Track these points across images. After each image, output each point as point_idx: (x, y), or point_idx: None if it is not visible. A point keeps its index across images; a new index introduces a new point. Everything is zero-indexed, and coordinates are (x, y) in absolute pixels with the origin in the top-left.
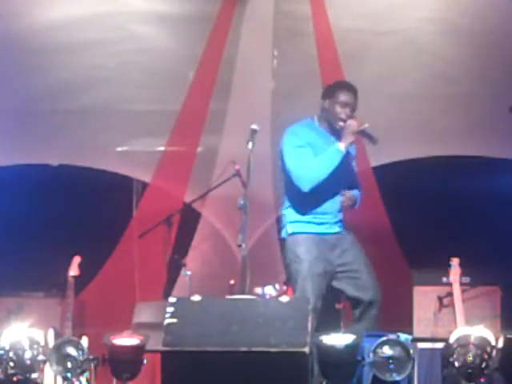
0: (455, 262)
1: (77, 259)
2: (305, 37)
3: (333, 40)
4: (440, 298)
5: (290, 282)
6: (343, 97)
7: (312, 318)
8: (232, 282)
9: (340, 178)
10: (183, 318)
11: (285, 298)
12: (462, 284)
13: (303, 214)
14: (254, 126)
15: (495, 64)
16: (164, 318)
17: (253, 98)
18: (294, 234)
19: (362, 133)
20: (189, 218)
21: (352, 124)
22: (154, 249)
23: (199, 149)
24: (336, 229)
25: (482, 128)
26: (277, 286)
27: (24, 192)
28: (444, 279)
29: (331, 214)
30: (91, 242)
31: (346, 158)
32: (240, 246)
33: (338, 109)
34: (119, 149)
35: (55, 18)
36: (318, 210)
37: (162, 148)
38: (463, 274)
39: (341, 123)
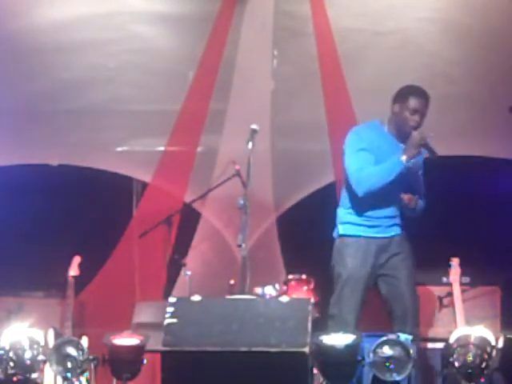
0: (455, 262)
1: (77, 259)
2: (305, 37)
3: (333, 40)
4: (440, 298)
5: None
6: (414, 103)
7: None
8: (232, 281)
9: (400, 186)
10: (183, 317)
11: (285, 298)
12: (461, 284)
13: (356, 216)
14: (254, 126)
15: (495, 64)
16: (164, 318)
17: (253, 98)
18: (343, 235)
19: (425, 146)
20: (189, 218)
21: (415, 137)
22: (154, 249)
23: (199, 149)
24: (389, 233)
25: (482, 128)
26: (277, 285)
27: (24, 192)
28: (444, 279)
29: (385, 218)
30: (91, 242)
31: (409, 168)
32: (240, 245)
33: (408, 115)
34: (119, 149)
35: (55, 17)
36: (372, 213)
37: (162, 148)
38: (463, 274)
39: (412, 131)
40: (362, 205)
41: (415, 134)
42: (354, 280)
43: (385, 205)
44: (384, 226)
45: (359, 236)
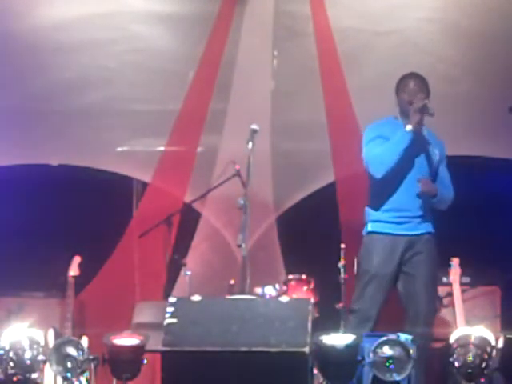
0: (455, 262)
1: (77, 259)
2: (305, 37)
3: (333, 40)
4: (440, 298)
5: (355, 277)
6: (411, 84)
7: (348, 321)
8: (232, 281)
9: (415, 167)
10: (183, 318)
11: (285, 298)
12: (462, 284)
13: (385, 213)
14: (254, 126)
15: (495, 64)
16: (164, 318)
17: (253, 98)
18: (372, 232)
19: (424, 109)
20: (189, 218)
21: (414, 105)
22: (154, 249)
23: (199, 149)
24: (419, 230)
25: (482, 128)
26: (277, 285)
27: (24, 192)
28: (444, 279)
29: (411, 210)
30: (91, 242)
31: (419, 143)
32: (240, 246)
33: (407, 97)
34: (119, 149)
35: (55, 18)
36: (397, 206)
37: (162, 148)
38: (463, 274)
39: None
40: (390, 202)
41: (414, 104)
42: (379, 278)
43: (412, 201)
44: (414, 222)
45: (387, 233)
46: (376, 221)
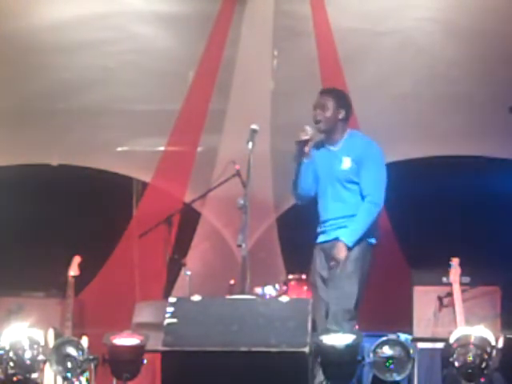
0: (455, 262)
1: (77, 259)
2: (305, 37)
3: (333, 40)
4: (440, 298)
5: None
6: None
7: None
8: (232, 281)
9: (326, 182)
10: (183, 318)
11: (285, 298)
12: (462, 284)
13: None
14: (254, 126)
15: (495, 64)
16: (164, 318)
17: (253, 98)
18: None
19: (301, 144)
20: (189, 218)
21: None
22: (154, 249)
23: (199, 149)
24: (332, 235)
25: (482, 128)
26: (277, 285)
27: (24, 192)
28: (444, 279)
29: (330, 220)
30: (91, 242)
31: (323, 160)
32: (240, 246)
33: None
34: (119, 149)
35: (55, 18)
36: (321, 219)
37: (162, 148)
38: (463, 273)
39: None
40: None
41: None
42: (312, 286)
43: (325, 209)
44: (330, 229)
45: (316, 243)
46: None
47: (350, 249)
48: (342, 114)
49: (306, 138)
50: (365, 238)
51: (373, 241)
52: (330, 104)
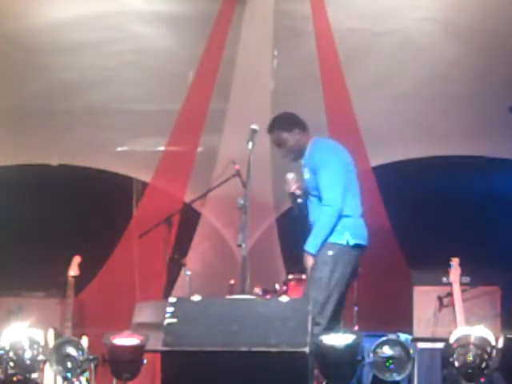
0: (455, 262)
1: (77, 259)
2: (305, 37)
3: (333, 40)
4: (440, 298)
5: None
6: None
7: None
8: (232, 281)
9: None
10: (183, 317)
11: (285, 298)
12: (462, 284)
13: None
14: (253, 126)
15: (495, 64)
16: (164, 318)
17: (253, 98)
18: None
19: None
20: (189, 218)
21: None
22: (154, 249)
23: (199, 149)
24: None
25: (482, 128)
26: (277, 285)
27: (24, 192)
28: (444, 279)
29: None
30: (91, 242)
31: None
32: (240, 245)
33: None
34: (119, 149)
35: (55, 18)
36: None
37: (162, 148)
38: (463, 273)
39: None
40: None
41: (287, 181)
42: None
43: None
44: None
45: None
46: None
47: (315, 255)
48: (297, 133)
49: (293, 189)
50: (334, 240)
51: (348, 242)
52: (282, 136)
